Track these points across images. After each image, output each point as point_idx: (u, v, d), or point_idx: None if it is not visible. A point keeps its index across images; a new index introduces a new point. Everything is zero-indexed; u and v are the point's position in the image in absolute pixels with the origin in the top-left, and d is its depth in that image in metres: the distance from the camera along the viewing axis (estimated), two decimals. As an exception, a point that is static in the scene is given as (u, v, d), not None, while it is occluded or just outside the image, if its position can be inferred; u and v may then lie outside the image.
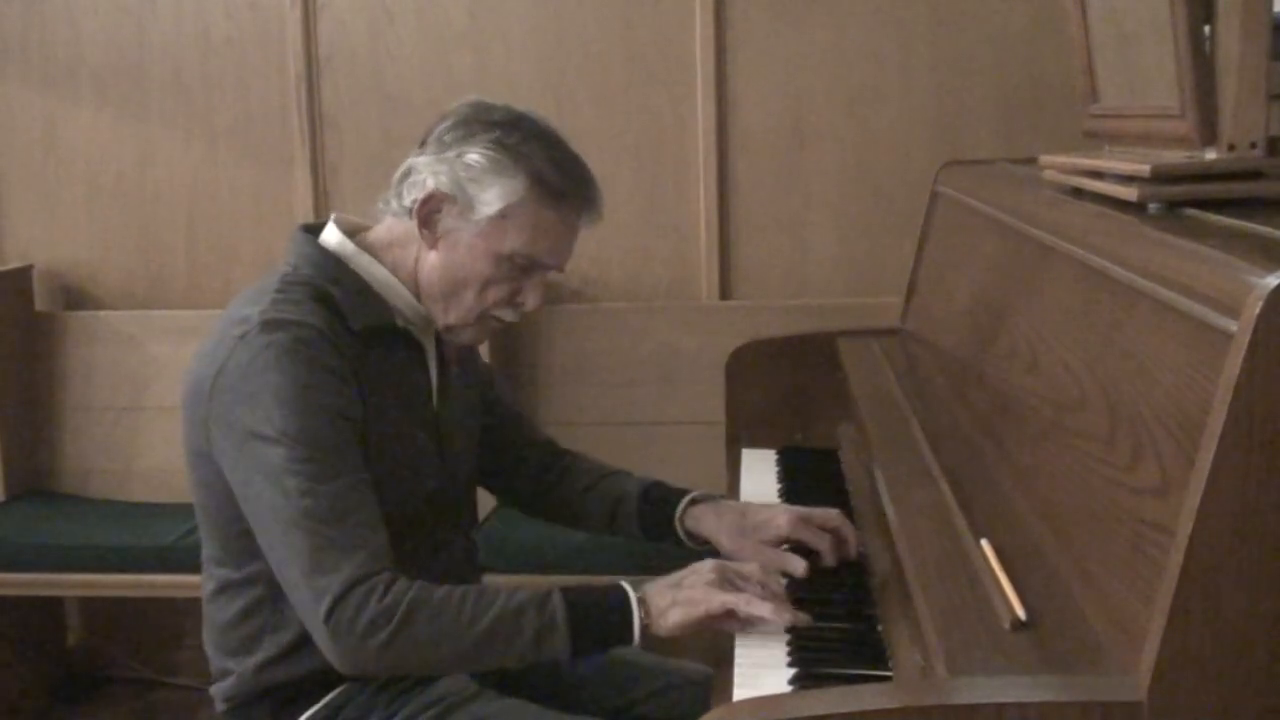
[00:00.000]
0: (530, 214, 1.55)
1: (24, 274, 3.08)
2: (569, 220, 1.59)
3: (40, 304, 3.13)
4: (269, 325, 1.50)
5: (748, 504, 1.81)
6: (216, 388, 1.51)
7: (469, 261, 1.57)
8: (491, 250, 1.56)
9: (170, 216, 3.15)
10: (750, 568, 1.52)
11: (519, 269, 1.58)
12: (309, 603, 1.43)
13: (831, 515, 1.70)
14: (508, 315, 1.63)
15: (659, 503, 1.79)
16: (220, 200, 3.13)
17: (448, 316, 1.61)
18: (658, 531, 1.80)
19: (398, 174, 1.60)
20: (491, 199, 1.54)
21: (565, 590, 1.48)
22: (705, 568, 1.50)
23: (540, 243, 1.57)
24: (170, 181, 3.14)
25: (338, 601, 1.41)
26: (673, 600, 1.47)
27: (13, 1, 3.10)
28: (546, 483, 1.88)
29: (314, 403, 1.48)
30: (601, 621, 1.47)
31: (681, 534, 1.77)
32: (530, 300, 1.61)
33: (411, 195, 1.57)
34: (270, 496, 1.46)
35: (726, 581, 1.48)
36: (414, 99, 3.02)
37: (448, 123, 1.58)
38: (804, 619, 1.47)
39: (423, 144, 1.60)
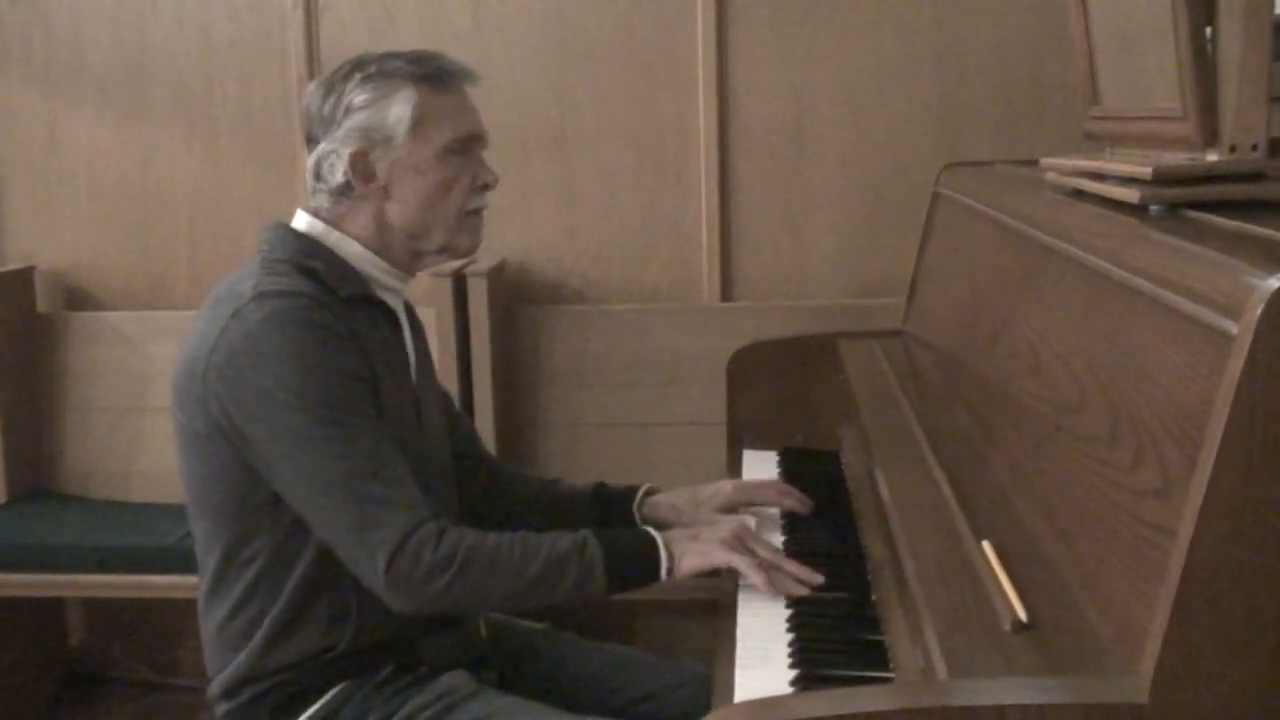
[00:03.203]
0: (434, 105, 1.64)
1: (25, 275, 3.08)
2: (461, 92, 1.69)
3: (42, 305, 3.13)
4: (265, 296, 1.54)
5: (695, 486, 1.94)
6: (213, 364, 1.53)
7: (423, 180, 1.65)
8: (430, 156, 1.64)
9: (172, 218, 3.15)
10: (770, 544, 1.66)
11: (460, 155, 1.66)
12: (364, 558, 1.50)
13: (768, 486, 1.92)
14: (479, 202, 1.70)
15: (612, 500, 1.89)
16: (222, 201, 3.13)
17: (438, 239, 1.68)
18: (612, 526, 1.86)
19: (309, 172, 1.67)
20: (398, 117, 1.63)
21: (600, 537, 1.58)
22: (725, 525, 1.65)
23: (460, 121, 1.67)
24: (172, 183, 3.14)
25: (395, 553, 1.49)
26: (687, 549, 1.61)
27: (15, 3, 3.11)
28: (495, 493, 1.93)
29: (327, 364, 1.52)
30: (634, 564, 1.59)
31: (639, 522, 1.86)
32: (488, 176, 1.70)
33: (337, 171, 1.64)
34: (303, 462, 1.50)
35: (739, 541, 1.62)
36: (415, 100, 3.02)
37: (314, 105, 1.66)
38: (798, 588, 1.59)
39: (310, 139, 1.67)
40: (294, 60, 3.05)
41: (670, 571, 1.59)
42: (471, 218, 1.69)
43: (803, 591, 1.58)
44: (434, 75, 1.64)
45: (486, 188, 1.70)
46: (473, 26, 3.01)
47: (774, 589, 1.58)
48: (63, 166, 3.16)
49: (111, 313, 3.11)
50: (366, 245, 1.66)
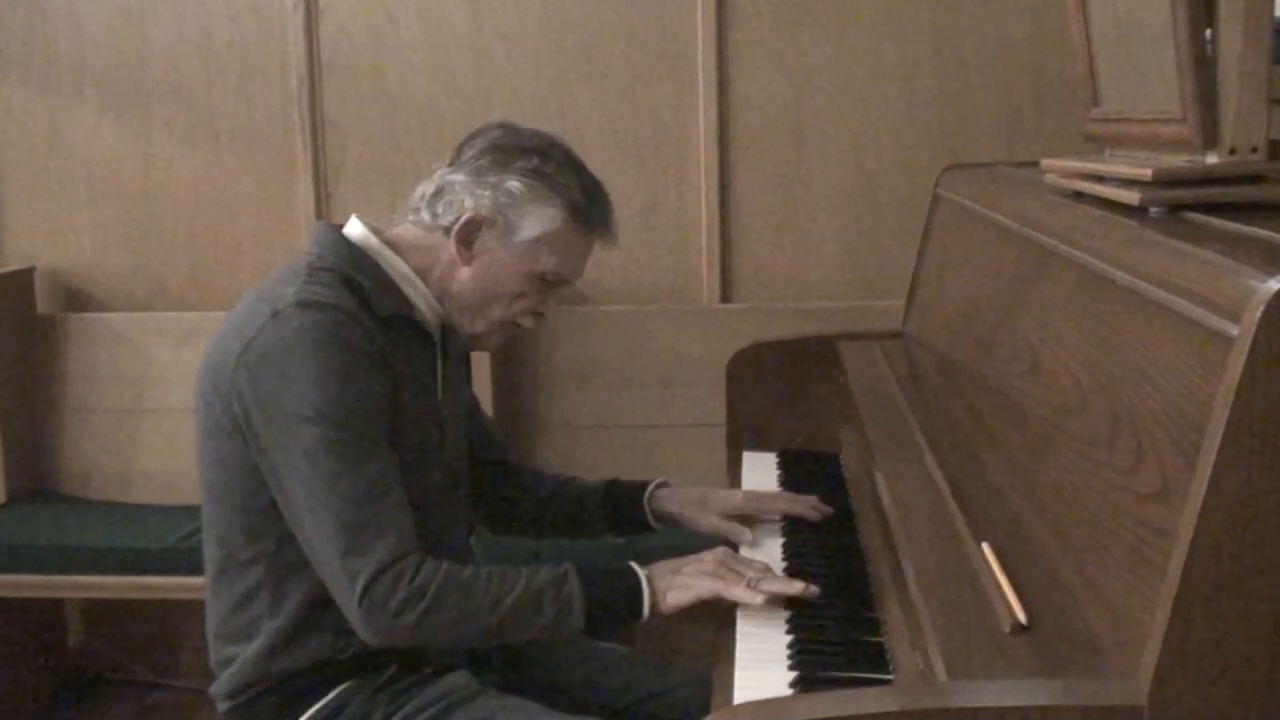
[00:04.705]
0: (565, 239, 1.65)
1: (26, 276, 3.08)
2: (593, 243, 1.70)
3: (42, 306, 3.13)
4: (305, 306, 1.54)
5: (709, 488, 1.93)
6: (244, 363, 1.54)
7: (502, 279, 1.66)
8: (525, 270, 1.65)
9: (172, 219, 3.15)
10: (758, 562, 1.62)
11: (546, 285, 1.68)
12: (343, 582, 1.49)
13: (778, 498, 1.91)
14: (528, 323, 1.72)
15: (623, 495, 1.90)
16: (222, 203, 3.13)
17: (475, 326, 1.69)
18: (622, 522, 1.90)
19: (430, 189, 1.66)
20: (531, 225, 1.63)
21: (581, 572, 1.56)
22: (708, 556, 1.61)
23: (571, 264, 1.69)
24: (172, 184, 3.14)
25: (371, 583, 1.48)
26: (670, 584, 1.57)
27: (16, 4, 3.10)
28: (512, 494, 1.93)
29: (351, 385, 1.52)
30: (615, 601, 1.56)
31: (649, 515, 1.88)
32: (551, 311, 1.72)
33: (450, 214, 1.64)
34: (306, 476, 1.50)
35: (724, 567, 1.58)
36: (416, 102, 3.02)
37: (481, 145, 1.65)
38: (796, 588, 1.56)
39: (453, 162, 1.65)
40: (294, 62, 3.05)
41: (653, 609, 1.56)
42: (509, 327, 1.71)
43: (795, 590, 1.55)
44: (588, 216, 1.65)
45: (540, 317, 1.72)
46: (473, 27, 3.01)
47: (764, 600, 1.54)
48: (63, 167, 3.16)
49: (111, 314, 3.11)
50: (421, 276, 1.66)
